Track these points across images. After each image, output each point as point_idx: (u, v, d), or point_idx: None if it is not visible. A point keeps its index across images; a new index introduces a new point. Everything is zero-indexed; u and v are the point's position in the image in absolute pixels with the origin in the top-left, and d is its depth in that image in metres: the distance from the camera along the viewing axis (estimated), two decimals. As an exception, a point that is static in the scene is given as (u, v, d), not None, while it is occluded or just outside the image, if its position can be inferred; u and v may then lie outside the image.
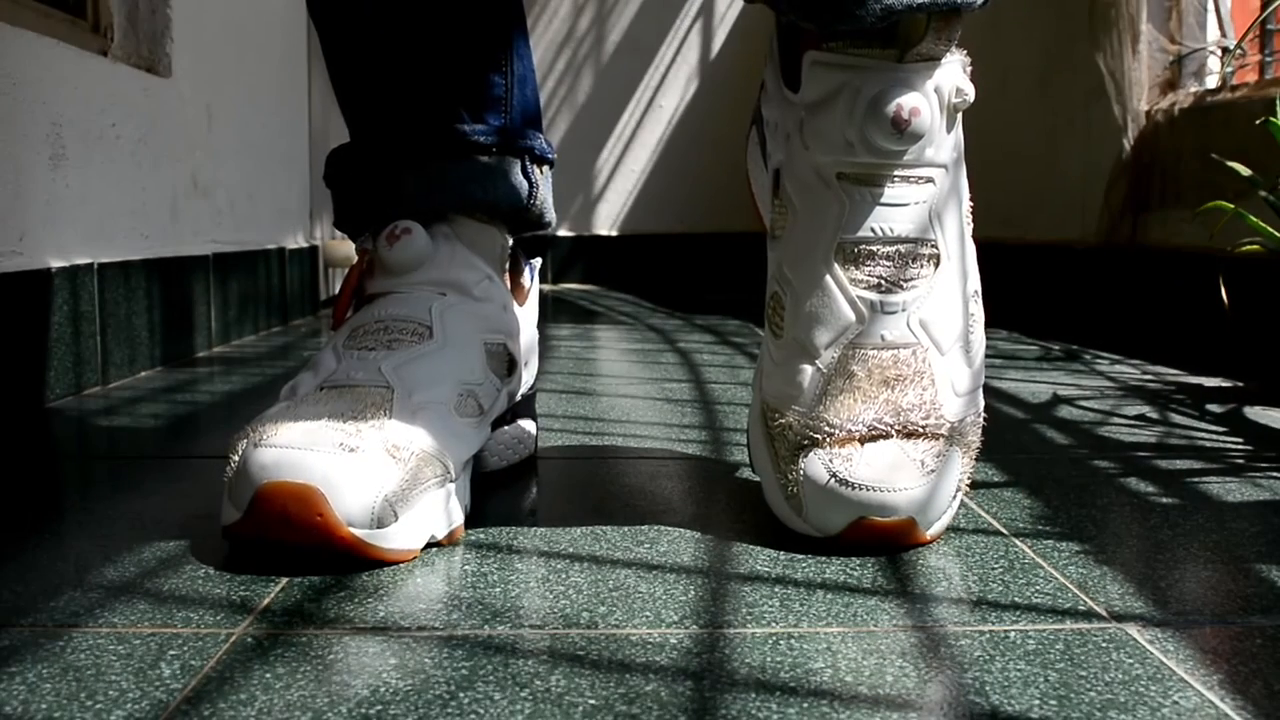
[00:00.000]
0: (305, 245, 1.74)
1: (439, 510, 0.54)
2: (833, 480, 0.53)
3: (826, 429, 0.54)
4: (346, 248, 1.93)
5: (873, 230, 0.56)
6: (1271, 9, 1.27)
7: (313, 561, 0.50)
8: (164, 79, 1.19)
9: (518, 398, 0.68)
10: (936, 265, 0.56)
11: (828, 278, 0.56)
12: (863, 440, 0.54)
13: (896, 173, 0.56)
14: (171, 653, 0.41)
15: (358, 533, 0.49)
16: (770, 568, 0.51)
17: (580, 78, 2.52)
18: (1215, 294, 1.08)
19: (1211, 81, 1.51)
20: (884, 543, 0.53)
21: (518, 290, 0.69)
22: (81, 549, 0.54)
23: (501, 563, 0.52)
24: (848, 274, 0.56)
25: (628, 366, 1.22)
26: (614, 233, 2.54)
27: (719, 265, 2.48)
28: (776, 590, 0.48)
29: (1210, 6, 1.51)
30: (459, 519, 0.56)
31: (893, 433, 0.54)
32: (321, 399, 0.55)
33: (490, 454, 0.67)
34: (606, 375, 1.15)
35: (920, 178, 0.56)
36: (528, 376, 0.70)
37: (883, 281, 0.56)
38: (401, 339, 0.59)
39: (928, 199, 0.56)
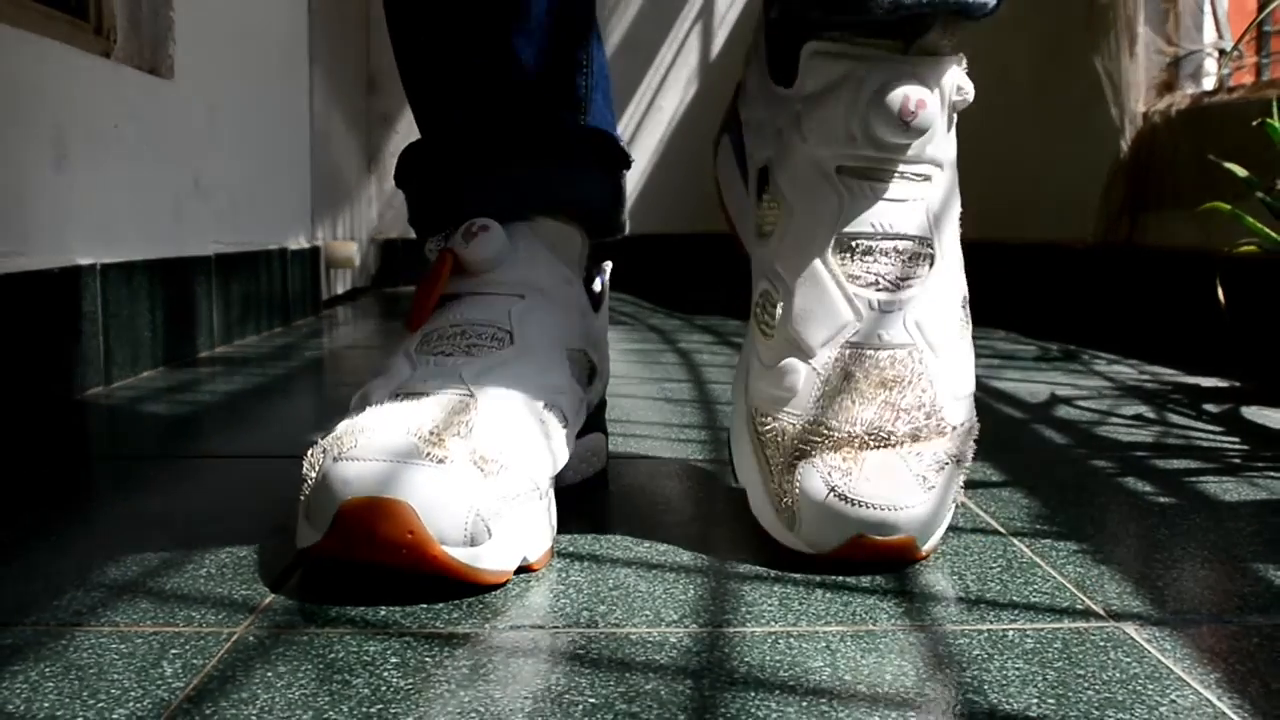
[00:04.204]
0: (307, 246, 1.74)
1: (531, 527, 0.50)
2: (832, 495, 0.50)
3: (825, 431, 0.52)
4: (347, 248, 1.93)
5: (872, 226, 0.54)
6: (1268, 11, 1.27)
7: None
8: (166, 80, 1.19)
9: (592, 408, 0.64)
10: (931, 266, 0.55)
11: (825, 273, 0.54)
12: (862, 445, 0.51)
13: (898, 168, 0.54)
14: (173, 652, 0.42)
15: (451, 551, 0.45)
16: (769, 567, 0.52)
17: (580, 78, 2.51)
18: (1212, 294, 1.08)
19: (1209, 83, 1.51)
20: (879, 560, 0.51)
21: (591, 296, 0.65)
22: (84, 548, 0.54)
23: (502, 562, 0.52)
24: (845, 270, 0.54)
25: (628, 366, 1.22)
26: (614, 233, 2.54)
27: (719, 265, 2.47)
28: (776, 589, 0.49)
29: (1207, 8, 1.51)
30: (549, 539, 0.53)
31: (893, 437, 0.52)
32: (399, 407, 0.51)
33: (567, 467, 0.58)
34: (606, 376, 1.15)
35: (920, 175, 0.55)
36: (600, 385, 0.66)
37: (880, 279, 0.54)
38: (480, 344, 0.55)
39: (926, 197, 0.55)
